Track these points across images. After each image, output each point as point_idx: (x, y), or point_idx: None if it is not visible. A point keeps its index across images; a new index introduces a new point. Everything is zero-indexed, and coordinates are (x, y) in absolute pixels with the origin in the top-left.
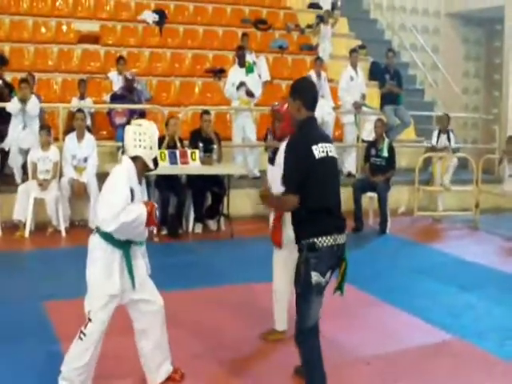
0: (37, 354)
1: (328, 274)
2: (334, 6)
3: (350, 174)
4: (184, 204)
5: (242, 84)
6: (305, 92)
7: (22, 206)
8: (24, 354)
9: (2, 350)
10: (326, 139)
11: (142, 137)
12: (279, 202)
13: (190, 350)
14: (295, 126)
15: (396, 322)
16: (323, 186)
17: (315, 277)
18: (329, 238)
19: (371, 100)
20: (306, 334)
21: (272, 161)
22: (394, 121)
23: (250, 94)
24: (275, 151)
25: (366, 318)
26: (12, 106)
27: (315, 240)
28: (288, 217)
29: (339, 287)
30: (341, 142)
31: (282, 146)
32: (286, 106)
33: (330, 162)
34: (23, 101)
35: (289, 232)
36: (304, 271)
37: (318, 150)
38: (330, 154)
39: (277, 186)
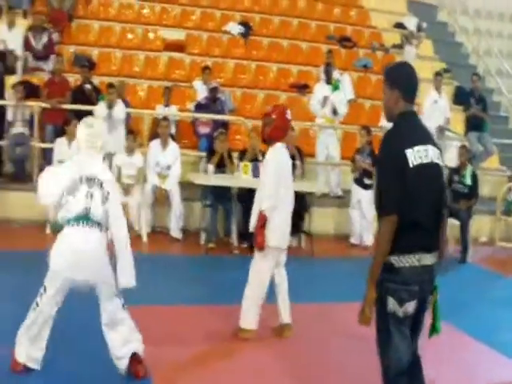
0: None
1: (410, 304)
2: (419, 28)
3: None
4: None
5: (325, 98)
6: (405, 80)
7: None
8: (98, 354)
9: (78, 346)
10: (426, 140)
11: (93, 138)
12: (380, 244)
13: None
14: (391, 120)
15: (477, 356)
16: (416, 198)
17: (391, 304)
18: (411, 257)
19: (455, 125)
20: (393, 382)
21: (359, 182)
22: (477, 148)
23: (335, 111)
24: (364, 172)
25: (446, 350)
26: (99, 110)
27: (396, 259)
28: (275, 223)
29: (434, 328)
30: None
31: (269, 152)
32: (277, 111)
33: (428, 170)
34: (110, 106)
35: (272, 240)
36: (380, 296)
37: (414, 156)
38: (428, 160)
39: (260, 198)
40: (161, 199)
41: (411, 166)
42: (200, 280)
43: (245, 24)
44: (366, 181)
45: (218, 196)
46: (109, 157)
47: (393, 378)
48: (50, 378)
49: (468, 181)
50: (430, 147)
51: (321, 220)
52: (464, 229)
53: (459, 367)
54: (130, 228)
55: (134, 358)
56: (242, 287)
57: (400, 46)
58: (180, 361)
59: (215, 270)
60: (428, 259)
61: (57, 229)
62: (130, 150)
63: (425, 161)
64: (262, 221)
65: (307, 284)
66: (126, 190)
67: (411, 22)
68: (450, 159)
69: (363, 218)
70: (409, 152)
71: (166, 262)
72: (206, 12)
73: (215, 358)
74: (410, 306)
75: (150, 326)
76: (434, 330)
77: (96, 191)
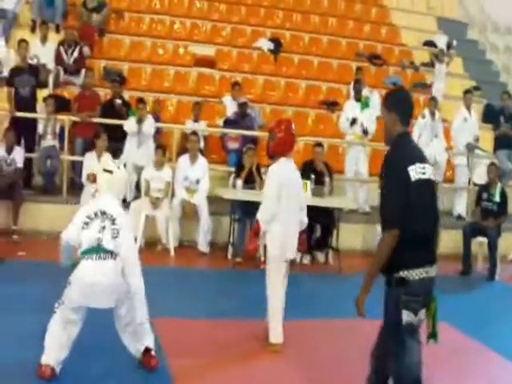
0: (144, 371)
1: (422, 312)
2: (449, 45)
3: (460, 217)
4: None
5: (354, 121)
6: (402, 104)
7: (133, 222)
8: (129, 367)
9: (109, 360)
10: (423, 158)
11: (112, 183)
12: (377, 255)
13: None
14: (389, 141)
15: (505, 374)
16: (419, 211)
17: (406, 316)
18: (421, 270)
19: (484, 143)
20: None
21: None
22: (507, 166)
23: (365, 131)
24: None
25: (473, 366)
26: (129, 125)
27: (406, 273)
28: (274, 233)
29: (432, 334)
30: (452, 184)
31: (272, 166)
32: (281, 126)
33: (427, 185)
34: (140, 120)
35: (272, 250)
36: (393, 310)
37: (415, 171)
38: (427, 176)
39: (265, 207)
40: (189, 213)
41: (413, 180)
42: (227, 294)
43: (275, 40)
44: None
45: (246, 211)
46: (138, 170)
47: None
48: (64, 374)
49: (497, 198)
50: (426, 165)
51: (348, 236)
52: (492, 246)
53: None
54: (158, 241)
55: (147, 352)
56: None
57: (430, 64)
58: (205, 374)
59: (242, 284)
60: (433, 271)
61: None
62: (158, 165)
63: (423, 177)
64: (256, 229)
65: (334, 300)
66: (155, 203)
67: (441, 40)
68: (480, 177)
69: None
70: (411, 168)
71: (193, 276)
72: (237, 28)
73: (240, 372)
74: (422, 314)
75: (175, 338)
76: (433, 336)
77: (107, 225)
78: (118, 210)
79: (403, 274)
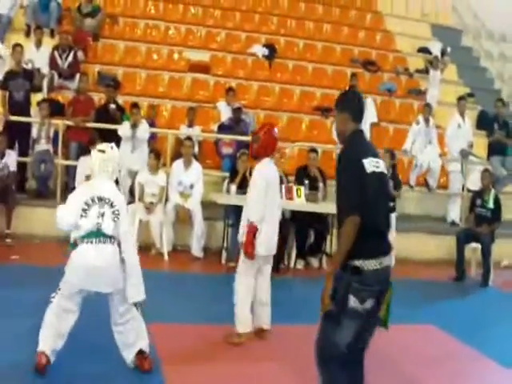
0: (137, 374)
1: (369, 301)
2: (443, 52)
3: (453, 223)
4: (286, 239)
5: None
6: (352, 104)
7: None
8: (124, 372)
9: (105, 366)
10: (376, 154)
11: (106, 163)
12: (343, 242)
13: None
14: (342, 140)
15: (499, 380)
16: (375, 203)
17: (353, 302)
18: (375, 261)
19: (478, 149)
20: (327, 362)
21: None
22: (501, 172)
23: None
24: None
25: (465, 371)
26: (123, 130)
27: (361, 263)
28: (262, 234)
29: (384, 321)
30: (446, 190)
31: (256, 168)
32: (264, 130)
33: (380, 178)
34: (134, 125)
35: (260, 248)
36: (343, 294)
37: (369, 164)
38: (379, 170)
39: (249, 210)
40: (183, 218)
41: (368, 171)
42: (220, 299)
43: (270, 46)
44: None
45: (240, 216)
46: (132, 175)
47: (328, 359)
48: (57, 375)
49: (491, 204)
50: (379, 160)
51: None
52: (486, 252)
53: None
54: (152, 246)
55: (140, 354)
56: None
57: (424, 71)
58: (199, 379)
59: None
60: (387, 261)
61: (71, 249)
62: (153, 169)
63: (377, 170)
64: (253, 231)
65: None
66: (149, 208)
67: (435, 47)
68: (473, 183)
69: None
70: (365, 161)
71: (187, 281)
72: (231, 34)
73: (235, 376)
74: (369, 303)
75: (169, 343)
76: (384, 323)
77: (107, 210)
78: (114, 192)
79: (358, 263)
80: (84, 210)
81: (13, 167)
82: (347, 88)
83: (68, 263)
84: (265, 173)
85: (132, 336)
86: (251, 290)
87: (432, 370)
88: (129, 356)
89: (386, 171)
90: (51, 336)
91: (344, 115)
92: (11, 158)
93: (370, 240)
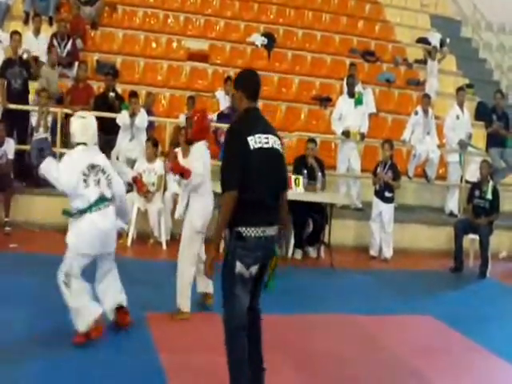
0: (135, 363)
1: (254, 267)
2: (442, 43)
3: (452, 214)
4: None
5: (347, 134)
6: (246, 82)
7: None
8: (123, 362)
9: (104, 355)
10: (267, 130)
11: (86, 127)
12: (220, 214)
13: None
14: (236, 115)
15: (496, 372)
16: (257, 177)
17: (239, 267)
18: (257, 229)
19: (477, 141)
20: (233, 333)
21: (380, 195)
22: (499, 163)
23: (362, 137)
24: (385, 185)
25: (462, 362)
26: (122, 119)
27: (243, 229)
28: (196, 207)
29: (266, 284)
30: (444, 181)
31: (194, 148)
32: (197, 115)
33: (268, 153)
34: (133, 114)
35: (197, 224)
36: (229, 260)
37: (254, 141)
38: (269, 145)
39: (197, 173)
40: None
41: (252, 148)
42: (218, 288)
43: (269, 35)
44: (387, 194)
45: None
46: (130, 164)
47: (234, 327)
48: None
49: (489, 196)
50: (270, 136)
51: (341, 232)
52: (484, 244)
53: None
54: (150, 235)
55: (121, 309)
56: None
57: (423, 61)
58: (198, 369)
59: None
60: (271, 231)
61: (69, 214)
62: (150, 158)
63: (265, 146)
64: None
65: (325, 295)
66: (147, 197)
67: (434, 38)
68: (472, 174)
69: (383, 231)
70: (250, 138)
71: None
72: (230, 23)
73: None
74: (254, 269)
75: (167, 333)
76: (268, 286)
77: (101, 177)
78: (101, 157)
79: (241, 229)
80: (84, 180)
81: (11, 155)
82: (345, 76)
83: (72, 232)
84: (203, 152)
85: (113, 290)
86: (194, 268)
87: (429, 361)
88: (111, 310)
89: (277, 146)
90: (87, 305)
91: (239, 93)
92: (10, 146)
93: (251, 210)
